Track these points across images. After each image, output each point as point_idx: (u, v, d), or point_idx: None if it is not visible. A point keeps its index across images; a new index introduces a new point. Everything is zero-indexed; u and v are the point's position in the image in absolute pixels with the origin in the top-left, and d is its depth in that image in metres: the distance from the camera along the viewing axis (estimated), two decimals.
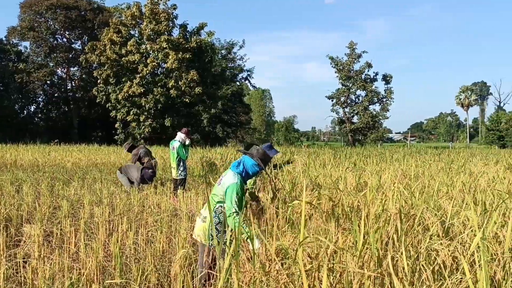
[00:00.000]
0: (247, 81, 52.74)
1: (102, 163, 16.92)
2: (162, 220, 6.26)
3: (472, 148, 53.70)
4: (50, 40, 42.80)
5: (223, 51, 48.30)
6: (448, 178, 6.47)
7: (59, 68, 44.57)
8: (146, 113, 34.93)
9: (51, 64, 43.36)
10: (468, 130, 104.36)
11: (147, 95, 34.55)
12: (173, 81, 34.32)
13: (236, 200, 3.90)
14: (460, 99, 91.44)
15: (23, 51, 43.88)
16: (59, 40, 44.08)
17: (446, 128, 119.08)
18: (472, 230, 3.29)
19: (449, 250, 2.74)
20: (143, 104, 34.35)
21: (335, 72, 56.35)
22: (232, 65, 49.84)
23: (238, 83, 50.84)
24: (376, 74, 55.56)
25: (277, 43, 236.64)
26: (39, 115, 45.90)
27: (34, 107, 45.80)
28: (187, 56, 34.30)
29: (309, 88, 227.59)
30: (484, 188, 5.55)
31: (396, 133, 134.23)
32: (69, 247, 5.17)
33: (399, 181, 6.13)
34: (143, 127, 35.01)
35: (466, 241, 3.05)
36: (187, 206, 8.34)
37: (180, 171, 9.99)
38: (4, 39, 42.73)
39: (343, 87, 56.11)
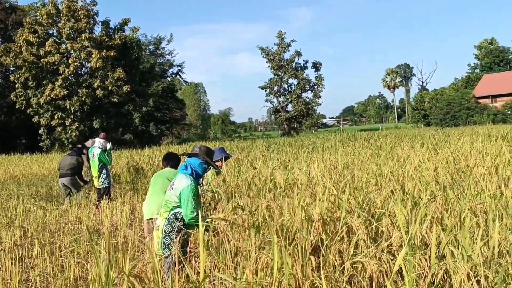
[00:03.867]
0: (178, 76, 51.57)
1: (22, 175, 15.65)
2: (78, 240, 5.69)
3: (400, 128, 56.16)
4: None
5: (150, 47, 46.87)
6: (376, 167, 6.37)
7: None
8: (72, 116, 33.04)
9: None
10: (395, 110, 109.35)
11: (71, 97, 32.65)
12: (98, 81, 32.67)
13: (193, 201, 3.95)
14: (386, 81, 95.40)
15: None
16: None
17: (375, 110, 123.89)
18: (400, 232, 3.08)
19: (375, 263, 2.49)
20: (68, 107, 32.44)
21: (266, 62, 56.60)
22: (161, 60, 48.54)
23: (169, 78, 49.60)
24: (306, 62, 56.50)
25: (206, 36, 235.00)
26: None
27: None
28: (112, 54, 32.74)
29: (243, 79, 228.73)
30: (411, 176, 5.46)
31: (329, 118, 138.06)
32: None
33: (328, 175, 5.95)
34: (70, 131, 33.10)
35: (393, 246, 2.83)
36: (111, 217, 7.76)
37: (103, 180, 9.31)
38: None
39: (275, 77, 56.51)
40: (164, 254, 3.99)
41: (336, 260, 2.76)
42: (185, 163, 4.37)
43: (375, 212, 3.84)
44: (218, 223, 3.62)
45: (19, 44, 32.66)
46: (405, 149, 8.68)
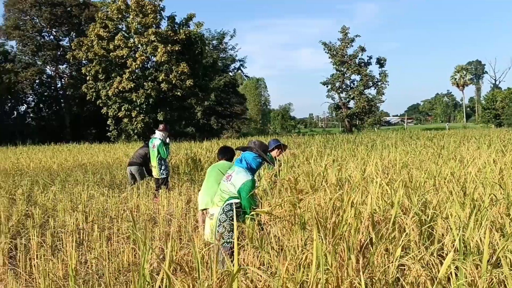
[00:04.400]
0: (239, 71, 52.11)
1: (89, 163, 16.48)
2: (133, 227, 5.89)
3: (468, 128, 53.40)
4: (37, 38, 42.11)
5: (214, 42, 47.65)
6: (437, 167, 6.09)
7: (48, 66, 43.92)
8: (137, 109, 34.41)
9: (39, 63, 42.71)
10: (464, 110, 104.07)
11: (137, 90, 33.98)
12: (163, 74, 33.76)
13: (252, 195, 4.04)
14: (455, 79, 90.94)
15: (9, 50, 43.21)
16: (46, 37, 43.39)
17: (442, 109, 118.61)
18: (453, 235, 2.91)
19: (422, 266, 2.35)
20: (134, 99, 33.81)
21: (329, 58, 55.84)
22: (224, 55, 49.21)
23: (230, 73, 50.24)
24: (370, 58, 55.10)
25: (268, 31, 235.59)
26: (30, 115, 45.35)
27: (25, 107, 45.28)
28: (176, 48, 33.67)
29: (304, 75, 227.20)
30: (473, 178, 5.16)
31: (393, 116, 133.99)
32: (25, 266, 4.80)
33: (383, 174, 5.76)
34: (135, 122, 34.50)
35: (445, 250, 2.67)
36: (168, 207, 7.98)
37: (161, 170, 9.57)
38: None
39: (338, 73, 55.61)
40: (216, 242, 4.03)
41: (382, 261, 2.65)
42: (240, 157, 4.43)
43: (430, 213, 3.66)
44: (263, 217, 3.61)
45: (90, 39, 34.41)
46: (470, 149, 8.21)
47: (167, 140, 9.84)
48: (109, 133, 36.24)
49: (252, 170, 4.34)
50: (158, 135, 9.77)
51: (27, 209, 7.80)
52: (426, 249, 2.83)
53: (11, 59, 41.98)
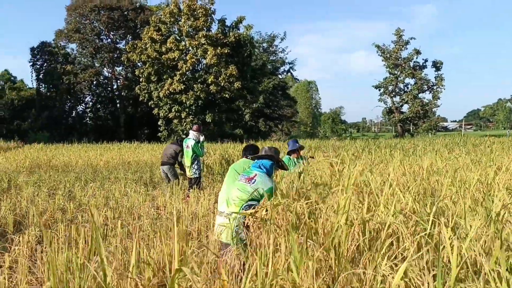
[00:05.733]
0: (289, 74, 51.94)
1: (134, 162, 16.98)
2: (153, 224, 5.96)
3: None
4: (96, 41, 44.06)
5: (264, 45, 47.78)
6: (465, 174, 5.76)
7: (105, 68, 45.85)
8: (187, 110, 35.14)
9: (97, 65, 44.66)
10: None
11: (187, 91, 34.71)
12: (212, 76, 34.28)
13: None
14: None
15: (70, 53, 45.48)
16: (104, 40, 45.32)
17: (505, 115, 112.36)
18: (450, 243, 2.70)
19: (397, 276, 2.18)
20: (184, 101, 34.55)
21: (382, 61, 54.48)
22: (274, 58, 49.24)
23: (280, 76, 50.20)
24: (426, 61, 53.18)
25: (321, 34, 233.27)
26: (88, 114, 47.50)
27: (83, 107, 47.48)
28: (226, 51, 34.08)
29: (357, 78, 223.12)
30: (505, 186, 4.82)
31: (451, 121, 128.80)
32: (41, 257, 4.97)
33: (411, 179, 5.51)
34: (185, 123, 35.25)
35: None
36: (195, 207, 8.04)
37: (194, 170, 9.69)
38: (52, 42, 44.48)
39: (391, 76, 54.12)
40: (233, 243, 3.98)
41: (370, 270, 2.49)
42: (257, 163, 4.48)
43: (446, 221, 3.44)
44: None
45: (144, 41, 35.54)
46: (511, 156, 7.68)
47: (201, 138, 9.98)
48: (159, 134, 37.26)
49: (270, 175, 4.43)
50: (192, 135, 9.92)
51: (62, 203, 8.10)
52: (419, 259, 2.64)
53: (71, 61, 44.20)
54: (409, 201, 3.86)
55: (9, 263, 4.68)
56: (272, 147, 4.74)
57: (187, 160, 9.80)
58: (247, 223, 3.75)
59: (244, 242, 3.85)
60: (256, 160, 4.58)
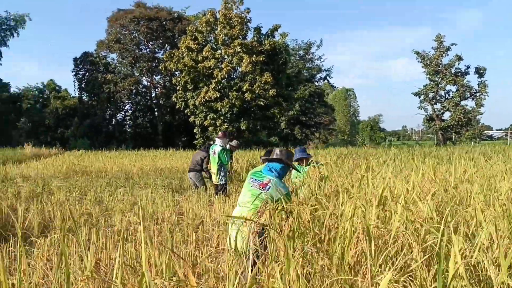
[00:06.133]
0: (325, 81, 51.47)
1: (167, 168, 17.17)
2: (171, 230, 5.93)
3: None
4: (135, 51, 45.22)
5: (300, 52, 47.60)
6: (498, 183, 5.43)
7: (144, 77, 46.94)
8: (222, 117, 35.35)
9: (136, 74, 45.79)
10: None
11: (222, 99, 34.95)
12: (247, 84, 34.38)
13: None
14: None
15: (110, 62, 46.88)
16: (143, 50, 46.45)
17: None
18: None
19: None
20: (219, 108, 34.80)
21: (422, 67, 53.14)
22: (310, 65, 48.95)
23: (316, 83, 49.82)
24: (468, 67, 51.42)
25: (360, 41, 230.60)
26: (127, 122, 48.72)
27: (122, 115, 48.73)
28: (261, 58, 34.13)
29: (398, 85, 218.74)
30: None
31: (497, 129, 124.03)
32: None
33: (421, 187, 5.24)
34: (219, 131, 35.45)
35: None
36: (218, 213, 7.97)
37: (220, 177, 9.65)
38: (94, 52, 46.02)
39: (431, 83, 52.69)
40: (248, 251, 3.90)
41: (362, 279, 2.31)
42: (268, 166, 4.42)
43: (467, 230, 3.21)
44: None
45: (181, 50, 36.12)
46: None
47: (228, 146, 9.94)
48: (195, 141, 37.66)
49: (280, 178, 4.37)
50: (218, 142, 9.89)
51: (89, 208, 8.22)
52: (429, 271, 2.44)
53: (111, 70, 45.53)
54: (426, 209, 3.64)
55: (24, 266, 4.74)
56: (283, 149, 4.65)
57: (213, 167, 9.78)
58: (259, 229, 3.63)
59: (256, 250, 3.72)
60: (266, 163, 4.49)
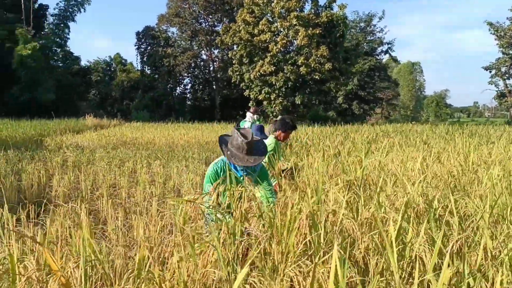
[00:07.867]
0: (387, 54, 49.49)
1: (212, 142, 17.46)
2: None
3: None
4: (194, 25, 45.80)
5: (361, 24, 45.93)
6: None
7: (202, 51, 47.59)
8: (277, 92, 35.24)
9: (195, 47, 46.49)
10: None
11: (277, 73, 34.74)
12: (302, 58, 33.87)
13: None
14: None
15: (170, 36, 47.89)
16: (202, 24, 46.94)
17: None
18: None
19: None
20: (274, 82, 34.67)
21: (495, 39, 49.54)
22: (372, 38, 47.17)
23: (377, 57, 48.03)
24: None
25: (427, 11, 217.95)
26: (186, 95, 49.91)
27: (182, 88, 49.94)
28: (317, 31, 33.37)
29: (469, 59, 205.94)
30: None
31: None
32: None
33: (429, 169, 5.01)
34: (274, 105, 35.44)
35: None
36: None
37: None
38: (155, 26, 47.19)
39: (505, 56, 49.09)
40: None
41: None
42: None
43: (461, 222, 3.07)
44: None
45: (238, 24, 36.12)
46: None
47: (255, 117, 9.92)
48: None
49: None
50: (248, 117, 9.89)
51: (118, 179, 8.59)
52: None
53: (171, 44, 46.55)
54: (413, 193, 3.50)
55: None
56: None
57: None
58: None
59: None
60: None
